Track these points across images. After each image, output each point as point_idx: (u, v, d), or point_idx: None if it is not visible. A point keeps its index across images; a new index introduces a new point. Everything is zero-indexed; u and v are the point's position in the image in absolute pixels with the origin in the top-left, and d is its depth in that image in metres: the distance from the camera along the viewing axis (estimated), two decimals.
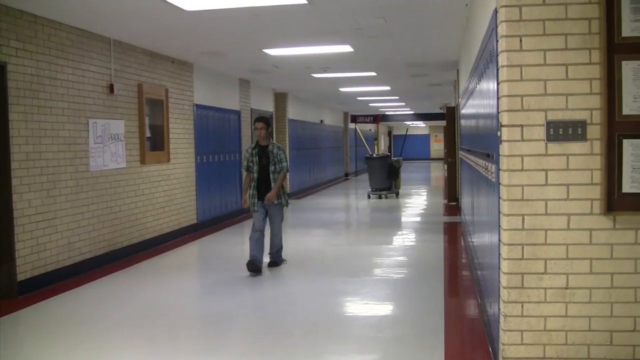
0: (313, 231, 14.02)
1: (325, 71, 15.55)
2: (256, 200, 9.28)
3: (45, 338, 6.44)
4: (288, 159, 9.54)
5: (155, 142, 11.77)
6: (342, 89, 20.78)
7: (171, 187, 12.41)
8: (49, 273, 8.62)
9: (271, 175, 9.19)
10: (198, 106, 13.79)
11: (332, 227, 14.79)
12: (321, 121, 27.40)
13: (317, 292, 8.16)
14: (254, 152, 9.26)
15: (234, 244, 12.63)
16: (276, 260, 9.80)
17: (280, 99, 21.04)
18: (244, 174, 9.48)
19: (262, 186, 9.25)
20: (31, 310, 7.53)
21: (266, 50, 12.11)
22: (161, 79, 12.04)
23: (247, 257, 9.24)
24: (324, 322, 6.78)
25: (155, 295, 8.21)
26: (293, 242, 12.73)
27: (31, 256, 8.30)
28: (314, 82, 17.90)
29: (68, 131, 9.09)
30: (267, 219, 9.45)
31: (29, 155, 8.27)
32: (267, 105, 19.45)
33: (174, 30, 9.89)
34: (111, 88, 10.15)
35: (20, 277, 8.11)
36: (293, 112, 22.17)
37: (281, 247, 9.83)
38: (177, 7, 8.19)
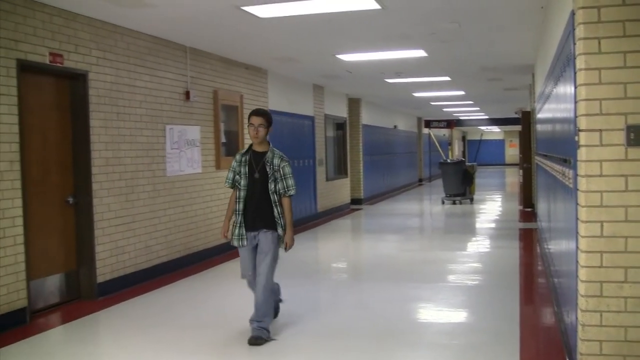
0: (386, 237, 13.97)
1: (398, 76, 15.49)
2: (243, 232, 6.36)
3: (122, 339, 6.58)
4: (293, 176, 6.53)
5: (230, 148, 11.90)
6: (415, 94, 20.67)
7: None
8: (127, 275, 8.80)
9: (272, 196, 6.35)
10: (272, 112, 13.84)
11: (405, 233, 14.72)
12: (395, 126, 27.28)
13: (389, 298, 8.13)
14: (243, 159, 6.42)
15: (307, 248, 12.67)
16: (260, 335, 6.25)
17: (354, 104, 21.04)
18: (235, 191, 6.55)
19: (251, 210, 6.35)
20: (109, 311, 7.70)
21: (339, 56, 12.14)
22: (236, 85, 12.18)
23: (320, 263, 9.16)
24: (397, 328, 6.75)
25: (229, 298, 8.30)
26: (367, 248, 12.74)
27: (110, 259, 8.49)
28: (388, 87, 17.85)
29: (146, 137, 9.28)
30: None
31: (108, 160, 8.47)
32: (340, 111, 19.49)
33: (249, 37, 10.00)
34: (187, 95, 10.32)
35: (100, 279, 8.30)
36: (367, 117, 22.14)
37: (269, 314, 6.47)
38: (252, 14, 8.29)
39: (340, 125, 19.87)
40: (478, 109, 29.43)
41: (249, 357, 5.97)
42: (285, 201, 6.45)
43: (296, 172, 15.13)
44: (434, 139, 33.36)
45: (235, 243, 6.44)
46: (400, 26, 9.47)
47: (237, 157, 6.53)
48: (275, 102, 14.08)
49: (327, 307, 7.90)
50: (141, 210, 9.12)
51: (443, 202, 20.57)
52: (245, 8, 7.99)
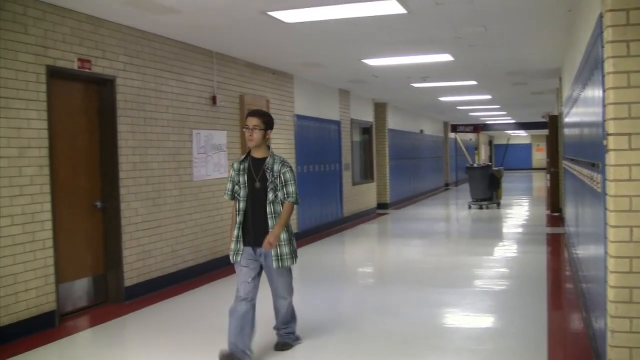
0: (413, 241, 13.94)
1: (424, 80, 15.46)
2: (240, 247, 5.82)
3: (149, 342, 6.61)
4: (295, 181, 5.91)
5: None
6: (441, 98, 20.62)
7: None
8: (154, 279, 8.85)
9: (268, 207, 5.76)
10: (298, 117, 13.92)
11: (432, 238, 14.66)
12: (421, 131, 27.22)
13: (416, 303, 8.10)
14: (241, 167, 5.87)
15: (334, 253, 12.68)
16: (286, 341, 6.28)
17: (380, 108, 21.02)
18: (236, 204, 5.99)
19: (253, 223, 5.81)
20: (136, 315, 7.75)
21: (365, 61, 12.14)
22: (262, 90, 12.22)
23: (347, 267, 9.14)
24: (423, 333, 6.72)
25: (258, 301, 8.30)
26: (393, 253, 12.72)
27: (137, 263, 8.54)
28: (414, 91, 17.82)
29: (172, 142, 9.34)
30: (266, 278, 6.04)
31: (135, 165, 8.53)
32: (366, 115, 19.48)
33: (275, 42, 10.03)
34: (214, 99, 10.37)
35: (127, 282, 8.36)
36: (393, 121, 22.11)
37: (293, 319, 6.33)
38: (278, 20, 8.31)
39: (366, 130, 19.86)
40: (505, 113, 29.28)
41: None
42: (286, 205, 5.82)
43: (322, 176, 15.37)
44: (461, 144, 33.23)
45: (231, 259, 5.87)
46: (426, 30, 9.46)
47: (235, 165, 5.91)
48: (302, 106, 14.10)
49: (353, 311, 7.88)
50: (168, 214, 9.17)
51: (469, 207, 20.48)
52: (271, 13, 8.02)
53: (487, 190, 20.17)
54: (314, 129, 14.87)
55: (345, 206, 16.93)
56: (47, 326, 7.06)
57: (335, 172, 16.25)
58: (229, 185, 5.94)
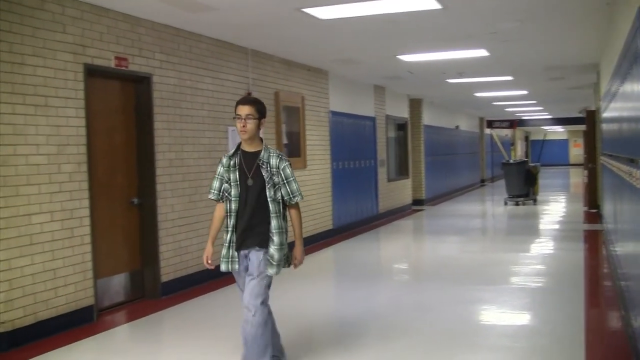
0: (448, 238, 13.88)
1: (460, 76, 15.38)
2: (234, 253, 5.14)
3: (185, 338, 6.67)
4: (295, 178, 5.19)
5: (292, 149, 11.97)
6: (477, 94, 20.50)
7: (307, 193, 12.56)
8: (190, 275, 8.92)
9: (271, 205, 5.04)
10: (333, 113, 13.92)
11: (467, 234, 14.60)
12: (456, 127, 27.08)
13: (451, 300, 8.07)
14: (232, 163, 5.13)
15: (369, 249, 12.68)
16: None
17: (415, 104, 20.95)
18: (222, 205, 5.29)
19: (243, 226, 5.08)
20: (172, 310, 7.82)
21: (400, 57, 12.10)
22: (297, 87, 12.24)
23: (382, 264, 9.12)
24: (458, 330, 6.70)
25: (290, 299, 8.33)
26: (428, 249, 12.69)
27: (174, 259, 8.61)
28: (449, 87, 17.74)
29: (208, 139, 9.39)
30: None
31: (172, 162, 8.60)
32: (402, 111, 19.43)
33: (310, 39, 10.05)
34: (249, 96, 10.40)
35: (164, 278, 8.43)
36: (428, 117, 22.03)
37: (268, 350, 5.11)
38: (313, 16, 8.32)
39: (401, 126, 19.81)
40: (541, 108, 29.03)
41: (310, 357, 5.99)
42: (293, 212, 5.18)
43: (357, 173, 15.36)
44: (497, 139, 32.99)
45: (224, 267, 5.18)
46: (462, 26, 9.41)
47: (224, 160, 5.18)
48: (337, 103, 14.10)
49: (389, 308, 7.86)
50: (204, 210, 9.22)
51: (506, 203, 20.33)
52: (306, 10, 8.03)
53: (524, 186, 20.00)
54: (349, 125, 14.86)
55: (381, 202, 16.91)
56: (85, 321, 7.15)
57: (371, 169, 16.23)
58: (215, 184, 5.17)
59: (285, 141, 11.66)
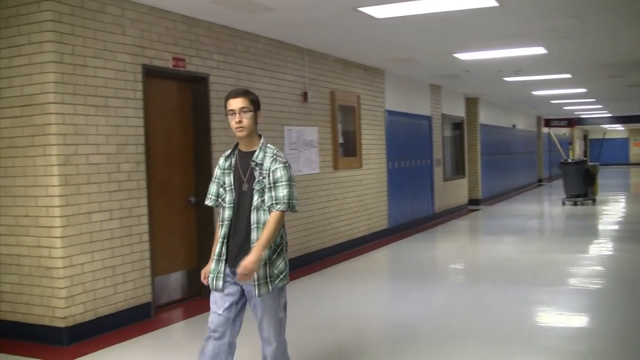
0: (505, 238, 13.74)
1: (517, 74, 15.21)
2: (222, 268, 4.39)
3: (240, 337, 6.71)
4: (293, 183, 4.42)
5: (347, 148, 11.99)
6: (535, 92, 20.24)
7: (363, 193, 12.57)
8: None
9: (253, 215, 4.35)
10: (389, 112, 13.89)
11: (524, 235, 14.43)
12: (513, 126, 26.78)
13: (508, 301, 7.99)
14: (227, 165, 4.53)
15: (425, 250, 12.62)
16: None
17: (472, 103, 20.78)
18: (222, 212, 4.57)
19: (237, 239, 4.39)
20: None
21: (457, 55, 12.02)
22: (353, 86, 12.25)
23: (437, 264, 9.07)
24: (515, 332, 6.63)
25: (345, 299, 8.36)
26: (484, 250, 12.58)
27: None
28: (506, 85, 17.55)
29: (264, 138, 9.41)
30: (250, 309, 4.55)
31: None
32: (458, 110, 19.29)
33: (366, 38, 10.04)
34: (305, 96, 10.45)
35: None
36: (484, 116, 21.83)
37: None
38: (369, 15, 8.32)
39: (457, 125, 19.67)
40: (600, 106, 28.50)
41: (363, 357, 6.00)
42: (271, 217, 4.31)
43: (413, 172, 15.29)
44: (554, 138, 32.51)
45: (210, 283, 4.45)
46: (519, 23, 9.32)
47: (221, 161, 4.56)
48: (393, 102, 14.06)
49: (444, 309, 7.83)
50: None
51: (564, 203, 20.03)
52: (362, 9, 8.04)
53: (582, 186, 19.68)
54: (405, 124, 14.81)
55: (437, 202, 16.82)
56: (143, 317, 7.27)
57: (427, 168, 16.15)
58: (213, 188, 4.54)
59: (340, 140, 11.68)
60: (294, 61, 10.27)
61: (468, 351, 6.08)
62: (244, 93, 4.47)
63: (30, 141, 6.45)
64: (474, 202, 20.46)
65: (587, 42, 10.92)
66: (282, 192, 4.30)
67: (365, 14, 8.24)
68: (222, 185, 4.48)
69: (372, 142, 13.04)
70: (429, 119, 16.44)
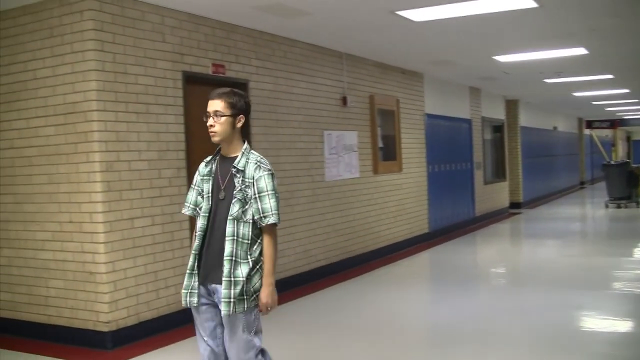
0: (547, 242, 13.60)
1: (558, 76, 15.06)
2: (195, 284, 4.00)
3: (280, 342, 6.74)
4: (277, 194, 3.98)
5: (387, 152, 11.97)
6: (576, 94, 20.01)
7: (403, 197, 12.54)
8: (288, 278, 9.00)
9: (229, 226, 3.90)
10: (429, 115, 13.84)
11: (567, 238, 14.27)
12: (554, 128, 26.51)
13: (550, 305, 7.90)
14: (207, 170, 4.16)
15: (466, 253, 12.54)
16: None
17: (512, 105, 20.62)
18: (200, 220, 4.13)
19: (210, 253, 3.97)
20: (270, 314, 7.89)
21: (496, 57, 11.94)
22: (392, 90, 12.23)
23: (478, 268, 9.00)
24: (557, 336, 6.55)
25: (386, 303, 8.34)
26: (526, 253, 12.47)
27: None
28: (546, 87, 17.39)
29: (304, 143, 9.48)
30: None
31: None
32: (498, 113, 19.15)
33: (404, 41, 10.02)
34: (344, 100, 10.45)
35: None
36: (525, 119, 21.64)
37: None
38: (407, 19, 8.31)
39: (497, 128, 19.53)
40: None
41: None
42: (266, 238, 3.94)
43: (453, 175, 15.21)
44: (596, 140, 32.14)
45: (182, 300, 4.04)
46: (559, 24, 9.23)
47: (201, 167, 4.21)
48: (431, 105, 14.01)
49: (486, 313, 7.77)
50: (300, 214, 9.32)
51: (607, 206, 19.77)
52: (400, 12, 8.03)
53: (626, 188, 19.40)
54: (445, 127, 14.75)
55: (477, 206, 16.71)
56: (184, 322, 7.25)
57: (467, 171, 16.06)
58: (191, 196, 4.15)
59: (380, 145, 11.67)
60: (333, 65, 10.29)
61: (511, 355, 6.02)
62: (222, 95, 4.05)
63: (73, 148, 6.55)
64: (515, 206, 20.28)
65: (629, 41, 10.77)
66: (268, 203, 3.90)
67: (403, 17, 8.23)
68: (201, 192, 4.09)
69: (412, 146, 13.00)
70: (468, 122, 16.35)
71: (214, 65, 7.86)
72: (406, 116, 12.76)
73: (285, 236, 9.00)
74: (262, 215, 3.88)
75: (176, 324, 7.14)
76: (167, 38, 7.20)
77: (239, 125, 4.06)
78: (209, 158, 4.19)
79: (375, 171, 11.43)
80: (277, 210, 3.91)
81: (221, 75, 7.97)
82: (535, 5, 7.84)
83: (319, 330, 7.06)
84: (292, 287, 9.02)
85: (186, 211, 4.14)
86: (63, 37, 6.57)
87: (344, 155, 10.44)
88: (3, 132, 7.14)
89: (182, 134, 7.33)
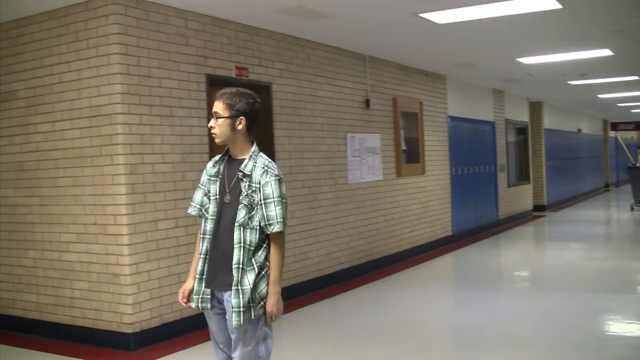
0: (571, 245, 13.51)
1: (582, 78, 14.96)
2: (204, 289, 3.89)
3: (303, 342, 6.76)
4: (284, 200, 3.86)
5: (410, 155, 11.96)
6: (601, 96, 19.86)
7: (426, 199, 12.51)
8: (310, 281, 9.02)
9: (236, 233, 3.76)
10: (452, 118, 13.81)
11: (591, 241, 14.16)
12: (579, 130, 26.33)
13: (574, 309, 7.84)
14: (215, 170, 3.99)
15: (489, 256, 12.49)
16: None
17: (535, 108, 20.51)
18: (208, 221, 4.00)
19: (215, 258, 3.86)
20: (292, 315, 7.91)
21: (520, 59, 11.89)
22: (415, 92, 12.21)
23: (502, 270, 8.97)
24: (582, 340, 6.51)
25: (409, 306, 8.32)
26: (550, 256, 12.40)
27: (294, 264, 8.74)
28: (571, 89, 17.28)
29: (327, 145, 9.49)
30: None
31: (291, 169, 8.73)
32: (521, 115, 19.05)
33: (427, 43, 10.01)
34: (367, 103, 10.45)
35: (284, 283, 8.52)
36: (549, 121, 21.51)
37: None
38: (430, 21, 8.30)
39: (521, 130, 19.44)
40: None
41: None
42: (272, 246, 3.82)
43: (477, 178, 15.17)
44: (622, 142, 31.86)
45: (194, 305, 3.95)
46: (583, 25, 9.17)
47: (209, 166, 4.05)
48: (455, 107, 13.98)
49: (510, 316, 7.73)
50: (323, 217, 9.32)
51: (632, 209, 19.61)
52: (423, 15, 8.02)
53: None
54: (468, 130, 14.70)
55: (501, 208, 16.63)
56: (207, 324, 7.33)
57: (490, 174, 15.99)
58: (197, 196, 4.05)
59: (403, 147, 11.65)
60: (355, 68, 10.29)
61: (533, 358, 5.99)
62: (223, 95, 3.88)
63: (98, 151, 6.60)
64: (539, 208, 20.17)
65: None
66: (274, 210, 3.76)
67: (426, 19, 8.22)
68: (207, 193, 3.98)
69: (435, 148, 12.98)
70: (492, 124, 16.28)
71: (237, 68, 7.89)
72: (429, 118, 12.73)
73: (309, 238, 9.01)
74: (267, 222, 3.75)
75: (199, 326, 7.14)
76: (190, 41, 7.24)
77: (240, 127, 3.88)
78: (217, 157, 4.02)
79: (399, 174, 11.41)
80: (283, 217, 3.78)
81: (244, 78, 8.00)
82: (559, 6, 7.80)
83: (341, 333, 7.06)
84: (314, 289, 9.03)
85: (192, 211, 4.03)
86: (88, 41, 6.62)
87: (367, 157, 10.44)
88: (29, 135, 7.22)
89: (205, 137, 7.36)
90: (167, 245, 6.88)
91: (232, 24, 7.84)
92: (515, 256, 12.80)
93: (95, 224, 6.69)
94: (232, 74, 7.83)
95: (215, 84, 7.58)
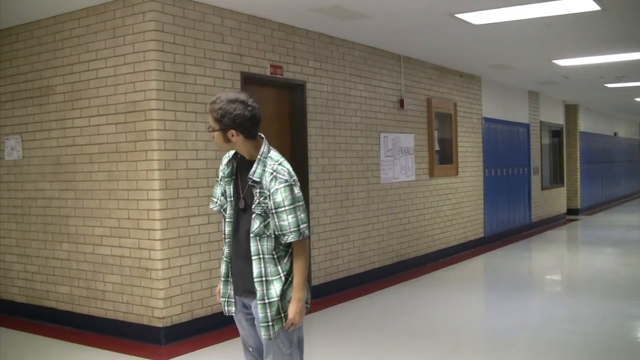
0: (605, 249, 13.37)
1: (619, 80, 14.79)
2: (230, 292, 3.82)
3: (332, 341, 6.76)
4: (297, 204, 3.59)
5: (443, 156, 11.92)
6: (638, 99, 19.63)
7: (459, 201, 12.46)
8: (340, 280, 9.03)
9: (253, 243, 3.59)
10: (486, 119, 13.72)
11: (626, 246, 13.99)
12: (615, 134, 26.04)
13: (606, 314, 7.76)
14: (228, 170, 3.78)
15: (521, 259, 12.41)
16: None
17: (571, 110, 20.32)
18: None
19: (238, 263, 3.75)
20: (322, 314, 7.93)
21: (556, 61, 11.78)
22: (449, 93, 12.16)
23: (534, 274, 8.90)
24: (614, 346, 6.45)
25: (440, 307, 8.29)
26: (583, 261, 12.28)
27: (325, 263, 8.75)
28: (607, 92, 17.09)
29: (360, 145, 9.48)
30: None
31: (324, 167, 8.74)
32: (556, 118, 18.89)
33: (463, 44, 9.96)
34: (401, 103, 10.43)
35: (314, 282, 8.58)
36: (584, 124, 21.29)
37: None
38: (466, 21, 8.26)
39: (556, 133, 19.26)
40: None
41: None
42: (295, 250, 3.60)
43: (510, 180, 15.08)
44: None
45: (222, 308, 3.91)
46: (622, 27, 9.07)
47: (224, 162, 3.83)
48: (489, 109, 13.89)
49: (540, 320, 7.67)
50: (355, 216, 9.32)
51: None
52: (459, 15, 7.98)
53: None
54: (502, 132, 14.61)
55: (534, 211, 16.50)
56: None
57: (524, 176, 15.88)
58: (216, 190, 3.84)
59: (437, 148, 11.62)
60: (390, 68, 10.27)
61: None
62: (210, 106, 3.64)
63: (133, 146, 6.66)
64: (572, 212, 19.98)
65: None
66: (286, 220, 3.52)
67: (462, 20, 8.18)
68: (224, 192, 3.78)
69: (469, 149, 12.91)
70: (526, 126, 16.16)
71: (272, 66, 7.92)
72: (463, 119, 12.67)
73: (340, 237, 9.02)
74: (280, 232, 3.53)
75: (229, 322, 7.17)
76: (226, 39, 7.28)
77: (234, 139, 3.62)
78: (231, 154, 3.80)
79: (431, 174, 11.37)
80: (298, 225, 3.52)
81: (279, 76, 8.02)
82: (597, 8, 7.72)
83: (370, 332, 7.06)
84: (345, 288, 9.03)
85: (213, 206, 3.84)
86: (125, 37, 6.69)
87: (400, 157, 10.42)
88: (66, 130, 7.31)
89: None
90: (199, 241, 6.92)
91: (267, 23, 7.87)
92: (547, 260, 12.69)
93: (128, 218, 6.75)
94: (267, 72, 7.85)
95: (250, 81, 7.62)
